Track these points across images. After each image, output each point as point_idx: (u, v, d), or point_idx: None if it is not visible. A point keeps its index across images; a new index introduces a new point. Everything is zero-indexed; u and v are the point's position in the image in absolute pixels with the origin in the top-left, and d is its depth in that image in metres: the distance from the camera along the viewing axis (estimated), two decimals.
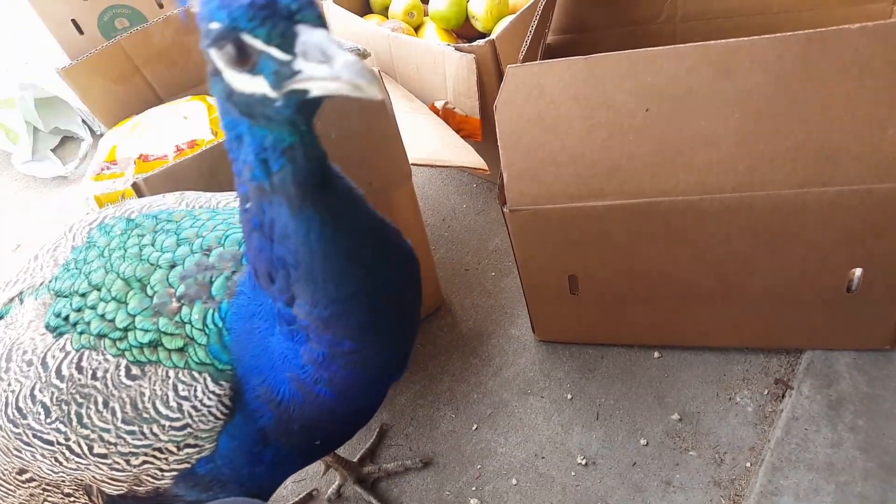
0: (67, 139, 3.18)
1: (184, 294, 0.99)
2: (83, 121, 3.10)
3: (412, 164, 1.71)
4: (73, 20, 2.64)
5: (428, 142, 1.79)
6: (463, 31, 2.25)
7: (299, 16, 0.64)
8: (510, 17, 1.94)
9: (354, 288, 0.84)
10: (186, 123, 1.80)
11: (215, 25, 0.66)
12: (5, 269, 2.66)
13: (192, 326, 0.97)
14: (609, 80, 1.32)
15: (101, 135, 2.88)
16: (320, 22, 0.66)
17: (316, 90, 0.66)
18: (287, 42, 0.64)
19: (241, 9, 0.64)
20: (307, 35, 0.63)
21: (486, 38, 1.79)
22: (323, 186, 0.78)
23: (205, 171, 1.41)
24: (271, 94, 0.68)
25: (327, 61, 0.62)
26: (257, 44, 0.65)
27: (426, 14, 2.32)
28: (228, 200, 1.21)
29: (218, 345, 0.96)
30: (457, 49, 1.81)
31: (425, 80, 1.97)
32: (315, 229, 0.78)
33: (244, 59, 0.67)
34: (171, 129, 1.79)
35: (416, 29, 2.30)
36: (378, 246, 0.88)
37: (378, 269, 0.87)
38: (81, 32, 2.66)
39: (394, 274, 0.92)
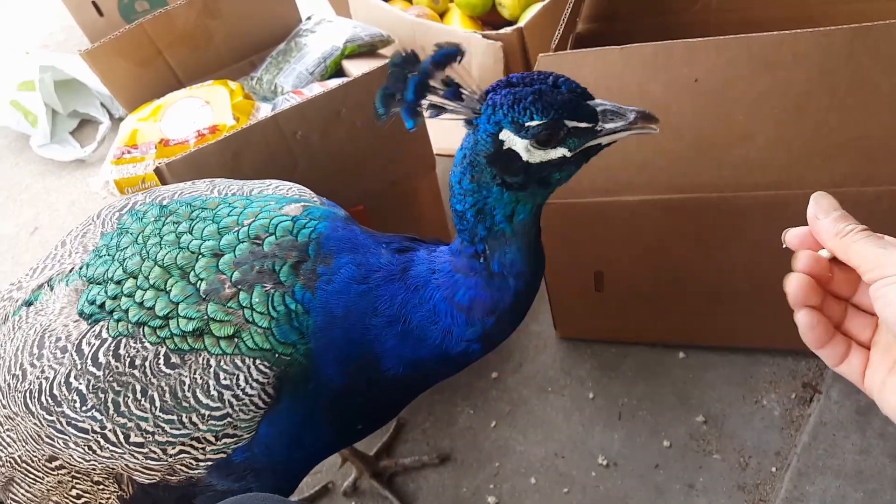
0: (86, 122, 3.17)
1: (240, 280, 1.00)
2: (101, 104, 3.09)
3: (436, 154, 1.68)
4: (94, 2, 2.62)
5: (452, 131, 1.75)
6: (489, 19, 2.21)
7: (585, 95, 0.91)
8: (538, 5, 1.90)
9: (538, 279, 1.09)
10: (208, 108, 1.78)
11: (535, 122, 0.88)
12: (23, 251, 2.67)
13: (253, 310, 0.99)
14: (644, 71, 1.28)
15: (120, 118, 2.87)
16: (592, 95, 0.92)
17: (607, 141, 0.91)
18: (591, 115, 0.89)
19: (562, 104, 0.88)
20: (602, 106, 0.89)
21: (514, 26, 1.75)
22: (538, 228, 1.03)
23: (228, 157, 1.39)
24: (567, 154, 0.92)
25: (621, 117, 0.88)
26: (575, 124, 0.89)
27: (451, 0, 2.28)
28: (261, 188, 1.20)
29: (287, 326, 0.99)
30: (484, 36, 1.77)
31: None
32: (536, 259, 1.03)
33: (554, 138, 0.90)
34: (192, 114, 1.77)
35: (441, 15, 2.27)
36: (542, 252, 1.10)
37: (543, 266, 1.10)
38: (101, 14, 2.64)
39: (543, 267, 1.12)
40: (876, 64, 1.18)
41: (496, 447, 1.67)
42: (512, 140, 0.91)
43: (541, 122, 0.88)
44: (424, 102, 0.89)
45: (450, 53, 0.88)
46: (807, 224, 1.44)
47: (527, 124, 0.88)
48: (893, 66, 1.18)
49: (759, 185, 1.34)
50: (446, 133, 1.76)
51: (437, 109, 0.91)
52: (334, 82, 1.70)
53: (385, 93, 0.90)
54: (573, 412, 1.69)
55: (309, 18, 2.11)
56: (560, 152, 0.91)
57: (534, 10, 1.89)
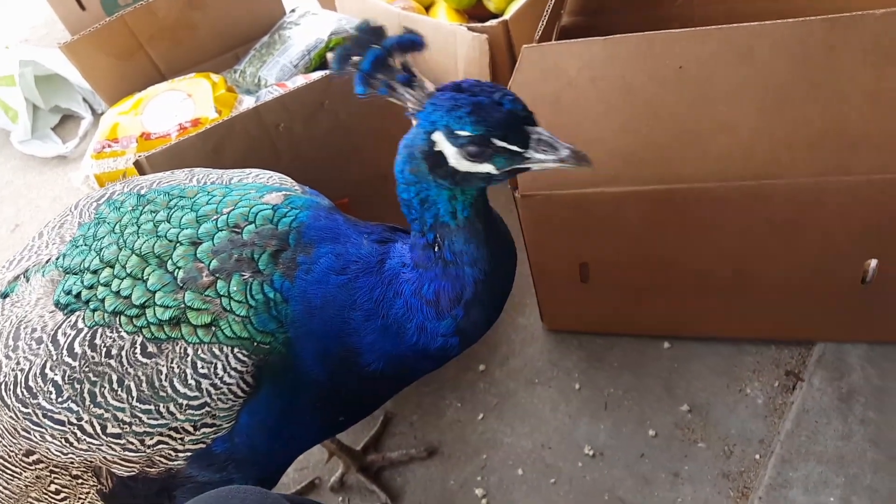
0: (67, 118, 3.13)
1: (218, 268, 1.00)
2: (83, 99, 3.05)
3: None
4: None
5: None
6: (474, 11, 2.20)
7: (527, 120, 0.90)
8: None
9: (505, 280, 1.11)
10: (189, 101, 1.76)
11: (466, 133, 0.89)
12: (4, 249, 2.63)
13: (231, 299, 0.98)
14: (628, 63, 1.28)
15: (102, 113, 2.83)
16: (535, 121, 0.91)
17: (537, 168, 0.93)
18: (523, 141, 0.90)
19: (496, 123, 0.88)
20: (537, 135, 0.90)
21: (499, 19, 1.75)
22: (488, 217, 1.03)
23: (209, 150, 1.38)
24: (494, 172, 0.93)
25: (554, 151, 0.90)
26: (504, 145, 0.89)
27: None
28: (241, 177, 1.19)
29: (266, 314, 0.99)
30: (469, 29, 1.76)
31: (436, 61, 1.92)
32: (491, 247, 1.03)
33: (482, 153, 0.90)
34: (173, 107, 1.76)
35: (427, 8, 2.26)
36: (507, 240, 1.13)
37: (508, 254, 1.12)
38: (83, 8, 2.60)
39: (511, 256, 1.14)
40: (854, 54, 1.20)
41: (484, 439, 1.68)
42: (443, 144, 0.92)
43: (469, 135, 0.89)
44: (380, 76, 0.91)
45: (414, 41, 0.90)
46: (791, 214, 1.45)
47: (457, 132, 0.89)
48: (871, 56, 1.19)
49: (742, 175, 1.35)
50: None
51: (389, 89, 0.93)
52: (318, 74, 1.69)
53: (343, 52, 0.92)
54: (560, 403, 1.70)
55: (293, 11, 2.10)
56: (486, 168, 0.92)
57: (519, 2, 1.89)
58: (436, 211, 0.99)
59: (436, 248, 1.03)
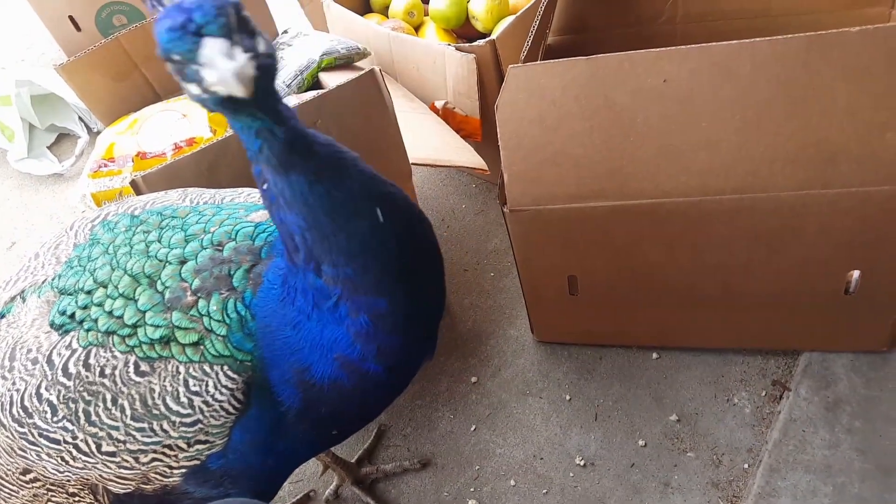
0: (64, 136, 3.16)
1: (200, 287, 1.01)
2: (79, 118, 3.08)
3: (412, 164, 1.71)
4: (71, 17, 2.62)
5: (428, 141, 1.79)
6: (463, 31, 2.24)
7: (205, 30, 0.75)
8: (511, 18, 1.94)
9: (362, 238, 0.92)
10: (185, 121, 1.79)
11: (160, 43, 0.78)
12: (1, 266, 2.64)
13: (211, 318, 0.99)
14: (610, 81, 1.32)
15: (98, 132, 2.86)
16: (223, 31, 0.75)
17: (220, 91, 0.77)
18: (193, 56, 0.75)
19: (163, 33, 0.76)
20: (204, 48, 0.74)
21: (487, 38, 1.79)
22: (301, 153, 0.88)
23: (203, 169, 1.40)
24: (202, 95, 0.79)
25: (214, 69, 0.74)
26: (178, 59, 0.77)
27: (426, 14, 2.32)
28: (233, 196, 1.21)
29: (241, 333, 0.99)
30: (457, 49, 1.80)
31: (425, 80, 1.96)
32: (304, 187, 0.88)
33: (178, 71, 0.79)
34: (169, 127, 1.79)
35: (417, 28, 2.30)
36: (376, 198, 0.94)
37: (382, 220, 0.93)
38: (79, 29, 2.65)
39: (400, 225, 0.97)
40: (831, 70, 1.23)
41: (476, 451, 1.69)
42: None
43: (159, 45, 0.78)
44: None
45: None
46: (774, 228, 1.49)
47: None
48: (848, 72, 1.23)
49: (725, 189, 1.38)
50: (425, 144, 1.79)
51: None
52: (310, 94, 1.72)
53: None
54: (551, 414, 1.72)
55: (286, 32, 2.14)
56: (194, 88, 0.80)
57: (506, 22, 1.94)
58: (245, 141, 0.88)
59: (264, 185, 0.91)
